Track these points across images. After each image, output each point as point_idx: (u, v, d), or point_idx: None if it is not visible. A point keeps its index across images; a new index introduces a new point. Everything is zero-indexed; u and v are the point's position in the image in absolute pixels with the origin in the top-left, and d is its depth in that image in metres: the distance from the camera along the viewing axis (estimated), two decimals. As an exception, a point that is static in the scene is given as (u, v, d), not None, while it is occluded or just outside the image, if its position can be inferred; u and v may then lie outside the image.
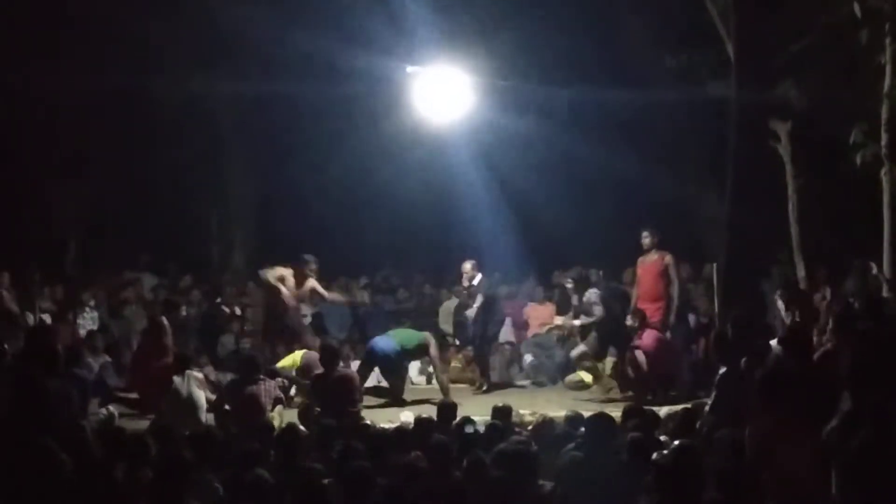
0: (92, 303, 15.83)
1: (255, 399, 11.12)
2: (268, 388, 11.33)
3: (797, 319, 12.72)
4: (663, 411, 9.91)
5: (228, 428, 10.30)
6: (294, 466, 7.92)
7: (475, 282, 14.57)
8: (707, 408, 9.45)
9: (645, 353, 13.21)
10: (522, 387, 14.87)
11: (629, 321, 13.61)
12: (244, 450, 8.15)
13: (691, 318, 14.97)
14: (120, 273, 17.37)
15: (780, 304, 14.09)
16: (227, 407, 11.42)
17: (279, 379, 12.17)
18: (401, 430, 9.46)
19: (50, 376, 8.56)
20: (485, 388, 14.18)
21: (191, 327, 15.36)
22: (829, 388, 7.08)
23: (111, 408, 11.84)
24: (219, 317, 15.87)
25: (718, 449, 7.43)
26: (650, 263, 14.01)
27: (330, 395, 11.19)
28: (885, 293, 13.04)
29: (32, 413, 7.80)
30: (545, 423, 9.90)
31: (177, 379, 11.53)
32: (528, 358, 15.47)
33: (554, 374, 15.13)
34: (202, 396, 11.62)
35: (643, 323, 13.43)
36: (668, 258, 13.98)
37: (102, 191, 18.15)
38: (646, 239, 14.06)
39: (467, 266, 14.63)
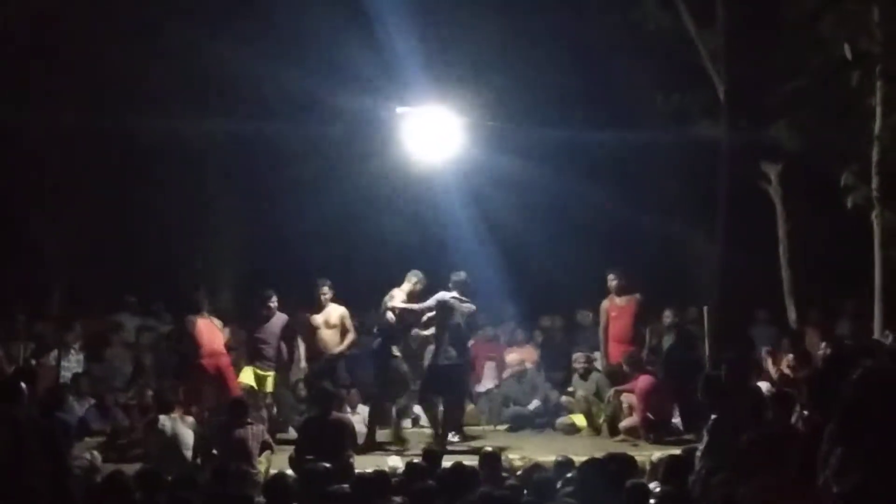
0: (77, 345, 15.66)
1: (243, 443, 10.96)
2: (255, 431, 11.18)
3: (791, 363, 12.61)
4: (655, 456, 9.77)
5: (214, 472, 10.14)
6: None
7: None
8: (699, 453, 9.31)
9: (640, 396, 13.13)
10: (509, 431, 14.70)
11: (624, 367, 13.53)
12: (229, 496, 8.02)
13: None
14: (104, 314, 17.21)
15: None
16: (214, 451, 11.26)
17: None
18: (388, 476, 9.28)
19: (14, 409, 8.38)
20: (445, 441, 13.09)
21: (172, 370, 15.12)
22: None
23: (95, 453, 11.61)
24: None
25: (714, 495, 7.32)
26: (624, 306, 13.93)
27: (324, 438, 10.98)
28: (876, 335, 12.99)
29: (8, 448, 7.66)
30: (533, 468, 9.79)
31: (162, 417, 11.39)
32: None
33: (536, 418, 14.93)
34: (189, 435, 11.47)
35: (638, 367, 13.36)
36: (639, 298, 13.94)
37: (88, 230, 18.00)
38: (613, 282, 14.01)
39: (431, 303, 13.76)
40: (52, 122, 16.72)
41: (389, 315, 13.33)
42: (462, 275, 13.23)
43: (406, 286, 13.49)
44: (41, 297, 17.43)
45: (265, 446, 11.26)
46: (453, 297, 13.03)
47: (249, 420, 11.32)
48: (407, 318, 13.40)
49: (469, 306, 13.14)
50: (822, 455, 6.25)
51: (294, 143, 18.07)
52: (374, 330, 13.78)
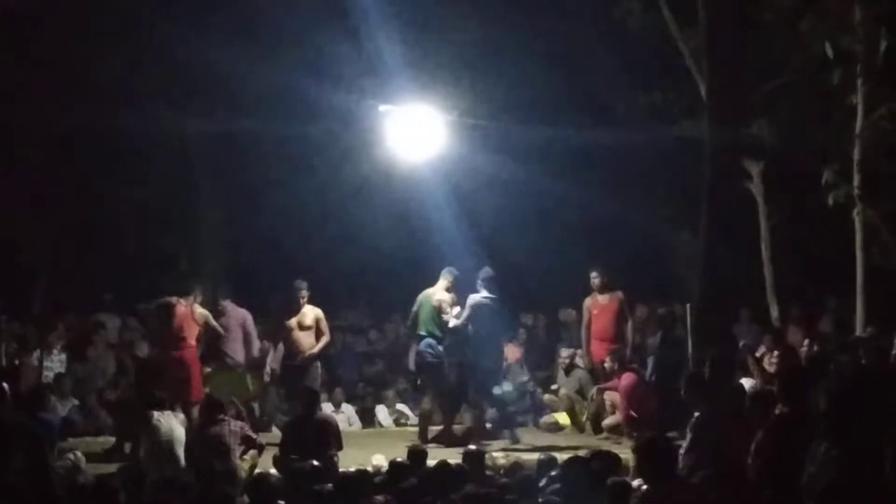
0: (59, 345, 15.61)
1: (220, 440, 10.92)
2: (233, 428, 11.12)
3: (774, 360, 12.65)
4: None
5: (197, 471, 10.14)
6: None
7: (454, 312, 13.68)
8: (682, 450, 9.33)
9: (623, 394, 13.15)
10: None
11: (607, 363, 13.53)
12: (208, 495, 8.01)
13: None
14: (87, 314, 17.14)
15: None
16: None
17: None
18: (372, 474, 9.29)
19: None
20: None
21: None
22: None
23: (78, 453, 11.56)
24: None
25: (698, 490, 7.35)
26: (606, 304, 13.89)
27: (309, 438, 10.97)
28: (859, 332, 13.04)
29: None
30: (515, 467, 9.82)
31: (156, 414, 11.27)
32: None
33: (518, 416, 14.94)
34: (182, 432, 11.40)
35: (622, 364, 13.37)
36: (622, 296, 13.90)
37: (71, 228, 17.96)
38: (596, 279, 13.95)
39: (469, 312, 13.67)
40: (34, 119, 16.66)
41: (450, 321, 13.29)
42: (489, 271, 13.28)
43: (443, 283, 13.56)
44: (23, 296, 17.37)
45: (249, 443, 11.18)
46: (484, 297, 13.06)
47: (223, 417, 11.24)
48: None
49: (500, 304, 13.19)
50: (810, 452, 6.30)
51: (277, 142, 18.04)
52: (422, 331, 13.59)
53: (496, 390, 14.28)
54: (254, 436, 11.34)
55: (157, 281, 17.21)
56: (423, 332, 13.49)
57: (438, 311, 13.35)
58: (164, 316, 13.20)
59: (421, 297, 13.60)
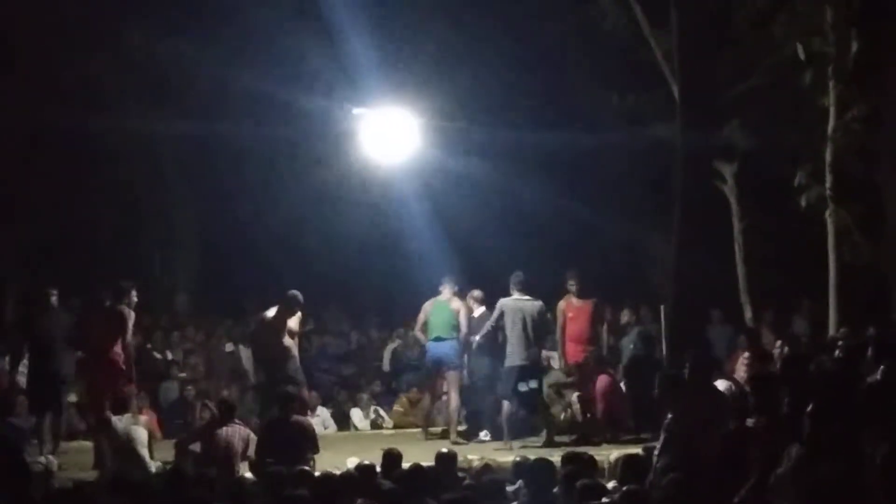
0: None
1: (229, 442, 10.98)
2: (242, 433, 11.15)
3: (748, 361, 12.68)
4: (613, 455, 9.79)
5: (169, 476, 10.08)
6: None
7: (475, 314, 13.93)
8: (657, 451, 9.36)
9: (598, 396, 13.15)
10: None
11: (582, 365, 13.54)
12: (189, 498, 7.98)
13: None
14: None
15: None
16: (197, 448, 11.20)
17: None
18: (347, 477, 9.25)
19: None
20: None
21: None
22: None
23: (50, 457, 11.51)
24: (149, 362, 15.35)
25: (668, 492, 7.34)
26: (582, 307, 13.87)
27: (284, 441, 10.94)
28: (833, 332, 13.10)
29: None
30: (484, 469, 9.81)
31: (114, 418, 11.24)
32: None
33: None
34: (144, 434, 11.36)
35: (599, 366, 13.38)
36: (596, 300, 13.93)
37: (43, 233, 17.84)
38: (573, 285, 13.94)
39: (476, 293, 14.08)
40: (6, 120, 16.57)
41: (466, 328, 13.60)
42: (521, 274, 13.33)
43: (450, 292, 13.70)
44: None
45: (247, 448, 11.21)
46: (514, 300, 13.09)
47: (235, 420, 11.30)
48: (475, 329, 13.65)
49: (535, 304, 13.19)
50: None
51: (251, 145, 18.01)
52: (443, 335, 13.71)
53: (521, 387, 14.26)
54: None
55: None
56: (444, 336, 13.60)
57: (464, 321, 13.58)
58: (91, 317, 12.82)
59: (434, 304, 13.67)
